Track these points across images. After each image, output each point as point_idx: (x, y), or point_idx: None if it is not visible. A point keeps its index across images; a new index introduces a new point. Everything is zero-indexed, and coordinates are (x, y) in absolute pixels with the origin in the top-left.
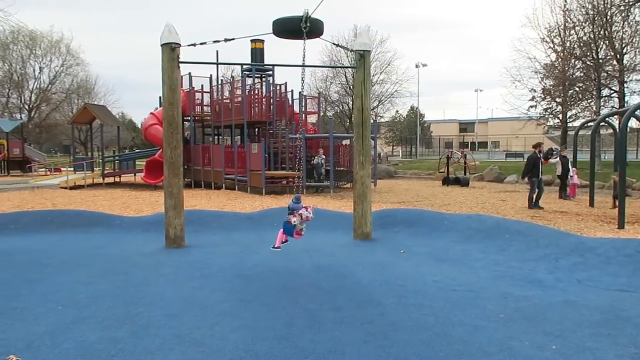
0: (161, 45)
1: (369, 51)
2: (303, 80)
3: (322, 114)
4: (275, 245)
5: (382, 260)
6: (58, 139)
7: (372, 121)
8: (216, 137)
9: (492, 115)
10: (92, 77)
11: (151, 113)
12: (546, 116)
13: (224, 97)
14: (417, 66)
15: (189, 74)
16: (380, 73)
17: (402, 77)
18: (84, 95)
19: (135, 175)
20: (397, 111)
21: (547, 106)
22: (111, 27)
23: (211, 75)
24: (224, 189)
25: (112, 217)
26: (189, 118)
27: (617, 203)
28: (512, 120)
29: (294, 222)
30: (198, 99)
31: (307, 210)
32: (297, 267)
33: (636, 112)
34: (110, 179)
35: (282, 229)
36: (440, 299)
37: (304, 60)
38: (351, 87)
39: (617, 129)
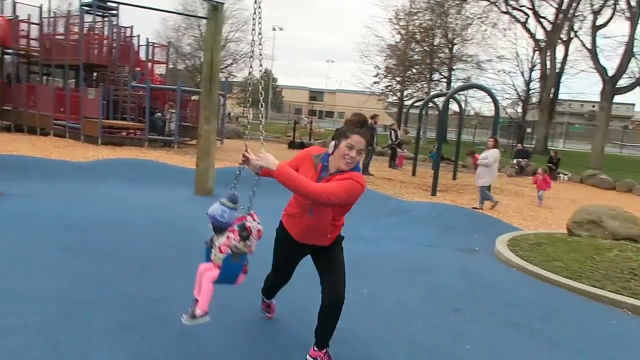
0: None
1: (223, 3)
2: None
3: (172, 65)
4: (197, 313)
5: None
6: None
7: (223, 79)
8: (45, 76)
9: (340, 87)
10: None
11: None
12: (387, 93)
13: (57, 33)
14: (274, 29)
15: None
16: (237, 31)
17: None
18: None
19: None
20: (250, 72)
21: (389, 83)
22: None
23: (42, 5)
24: (52, 136)
25: None
26: (10, 51)
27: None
28: (358, 93)
29: (236, 248)
30: (24, 30)
31: (254, 220)
32: (133, 220)
33: (455, 96)
34: None
35: (202, 276)
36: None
37: None
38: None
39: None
